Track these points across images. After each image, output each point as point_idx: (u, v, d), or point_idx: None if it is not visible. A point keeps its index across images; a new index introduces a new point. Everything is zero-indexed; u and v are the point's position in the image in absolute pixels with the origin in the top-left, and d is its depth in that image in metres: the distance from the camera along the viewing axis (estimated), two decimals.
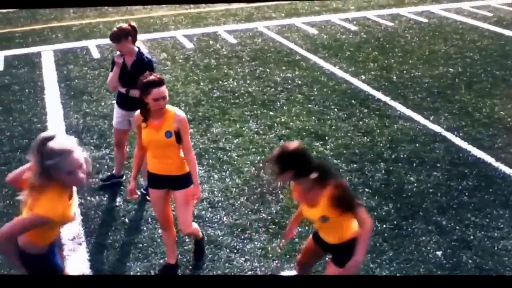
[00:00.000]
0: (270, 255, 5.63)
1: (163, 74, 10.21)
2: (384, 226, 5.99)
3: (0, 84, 10.76)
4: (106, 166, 7.49)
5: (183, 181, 5.08)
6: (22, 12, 16.58)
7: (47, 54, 12.48)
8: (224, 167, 7.30)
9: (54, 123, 8.93)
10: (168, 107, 5.00)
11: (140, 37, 12.21)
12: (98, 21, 15.02)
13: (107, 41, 13.34)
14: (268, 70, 10.68)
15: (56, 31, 14.37)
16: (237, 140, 8.00)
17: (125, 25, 6.56)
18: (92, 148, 8.00)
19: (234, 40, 12.57)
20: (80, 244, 5.97)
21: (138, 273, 5.46)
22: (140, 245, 5.90)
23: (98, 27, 14.46)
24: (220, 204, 6.53)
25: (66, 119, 9.03)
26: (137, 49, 6.59)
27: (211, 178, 7.04)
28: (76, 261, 5.70)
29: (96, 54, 12.19)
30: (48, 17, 15.94)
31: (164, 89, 4.88)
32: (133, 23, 6.64)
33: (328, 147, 7.68)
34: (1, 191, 7.00)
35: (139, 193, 5.90)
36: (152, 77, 4.89)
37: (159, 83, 4.86)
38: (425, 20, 13.69)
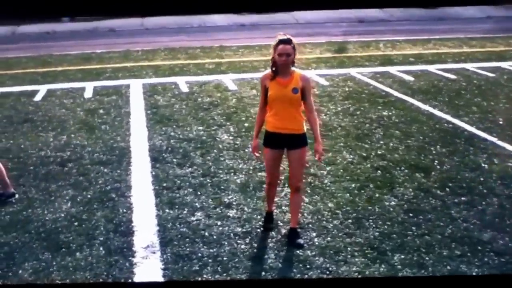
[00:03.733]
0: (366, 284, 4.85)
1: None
2: (503, 260, 5.10)
3: (86, 108, 10.69)
4: (187, 183, 6.98)
5: (301, 140, 5.39)
6: (115, 52, 16.89)
7: (135, 86, 12.43)
8: (315, 191, 6.65)
9: (137, 142, 8.61)
10: (295, 69, 5.33)
11: (231, 76, 12.06)
12: (188, 63, 15.00)
13: (197, 78, 13.46)
14: (362, 108, 10.07)
15: (147, 68, 14.41)
16: (329, 167, 7.35)
17: None
18: (174, 166, 7.55)
19: (326, 82, 12.09)
20: (153, 253, 5.42)
21: None
22: (220, 258, 5.28)
23: (188, 67, 14.39)
24: (310, 225, 5.85)
25: (150, 140, 8.71)
26: None
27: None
28: (148, 269, 5.13)
29: (184, 89, 12.01)
30: (140, 57, 16.12)
31: (289, 47, 5.20)
32: None
33: (431, 179, 6.90)
34: (77, 198, 6.65)
35: (258, 154, 5.74)
36: (281, 36, 5.28)
37: (285, 40, 5.23)
38: None
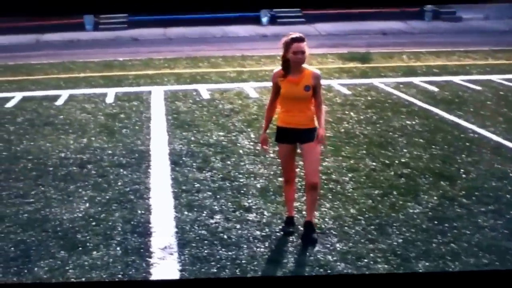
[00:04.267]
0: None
1: None
2: None
3: (107, 113, 10.67)
4: (207, 187, 6.88)
5: (313, 133, 5.34)
6: (137, 60, 16.93)
7: (157, 92, 12.41)
8: (336, 197, 6.50)
9: (157, 146, 8.54)
10: (305, 66, 5.33)
11: (252, 84, 11.97)
12: (210, 71, 14.96)
13: (218, 85, 13.40)
14: (385, 117, 9.91)
15: (168, 76, 14.41)
16: (351, 174, 7.21)
17: None
18: (194, 170, 7.46)
19: (348, 92, 11.95)
20: (171, 254, 5.31)
21: None
22: (239, 261, 5.15)
23: (209, 75, 14.36)
24: (332, 231, 5.70)
25: (170, 144, 8.63)
26: None
27: (322, 206, 6.23)
28: (165, 270, 5.02)
29: (205, 95, 11.95)
30: (161, 65, 16.13)
31: (303, 45, 5.23)
32: None
33: (456, 187, 6.71)
34: (95, 199, 6.59)
35: (266, 147, 5.81)
36: (294, 34, 5.29)
37: (300, 39, 5.25)
38: None
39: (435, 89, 12.17)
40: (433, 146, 8.24)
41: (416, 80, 13.09)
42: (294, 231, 5.69)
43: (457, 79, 13.17)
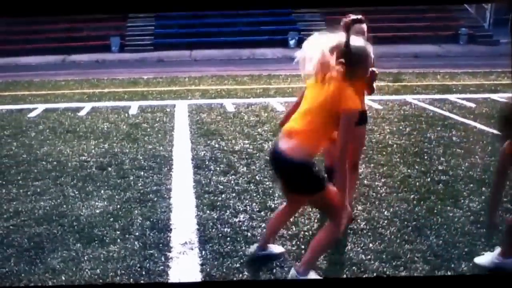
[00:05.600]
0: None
1: None
2: None
3: (130, 123, 10.43)
4: (230, 189, 6.52)
5: (364, 116, 5.27)
6: (162, 78, 16.79)
7: (181, 105, 12.17)
8: (369, 200, 6.09)
9: (180, 152, 8.23)
10: None
11: (279, 100, 11.68)
12: (236, 88, 14.72)
13: (244, 100, 13.11)
14: (419, 129, 9.48)
15: (193, 92, 14.20)
16: (385, 180, 6.79)
17: None
18: (218, 173, 7.11)
19: (380, 107, 11.55)
20: (191, 249, 4.93)
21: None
22: (263, 258, 4.73)
23: (235, 91, 14.11)
24: (364, 231, 5.28)
25: (193, 150, 8.32)
26: None
27: (354, 208, 5.82)
28: (185, 264, 4.64)
29: (231, 108, 11.68)
30: (187, 82, 15.95)
31: (364, 26, 5.08)
32: None
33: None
34: (114, 198, 6.27)
35: None
36: (354, 15, 5.07)
37: (360, 20, 5.10)
38: None
39: (473, 105, 11.72)
40: (473, 156, 7.78)
41: (451, 97, 12.66)
42: None
43: (495, 96, 12.69)
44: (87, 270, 4.55)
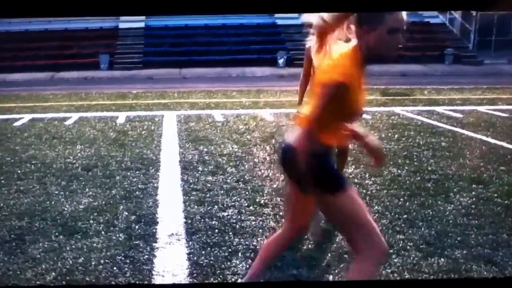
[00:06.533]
0: (425, 270, 4.15)
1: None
2: None
3: (118, 130, 10.33)
4: (219, 187, 6.40)
5: None
6: (152, 93, 16.71)
7: (170, 116, 12.08)
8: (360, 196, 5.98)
9: (168, 155, 8.11)
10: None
11: (269, 111, 11.57)
12: (225, 101, 14.66)
13: (233, 111, 13.03)
14: (408, 136, 9.43)
15: (183, 104, 14.11)
16: (374, 178, 6.70)
17: None
18: (206, 173, 7.00)
19: (368, 116, 11.50)
20: (178, 240, 4.80)
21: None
22: (253, 247, 4.62)
23: (224, 104, 14.04)
24: None
25: (182, 154, 8.20)
26: None
27: None
28: (172, 253, 4.51)
29: (219, 118, 11.60)
30: (176, 96, 15.87)
31: None
32: None
33: (490, 190, 6.18)
34: (100, 195, 6.12)
35: None
36: None
37: None
38: None
39: (460, 115, 11.72)
40: (462, 158, 7.73)
41: (439, 108, 12.65)
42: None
43: (482, 108, 12.71)
44: (69, 259, 4.39)
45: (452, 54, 25.47)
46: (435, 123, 10.77)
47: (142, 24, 27.37)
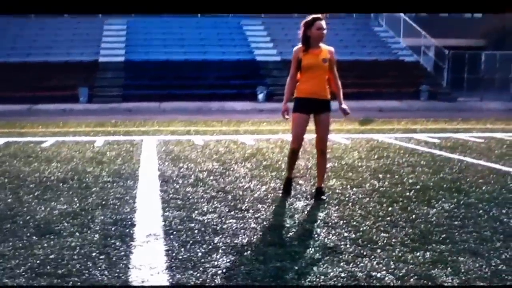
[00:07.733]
0: (411, 261, 4.05)
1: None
2: None
3: (96, 151, 10.16)
4: (199, 197, 6.26)
5: (327, 105, 6.00)
6: (131, 122, 16.58)
7: (148, 139, 11.97)
8: (342, 203, 5.92)
9: (146, 170, 7.98)
10: (321, 44, 5.99)
11: (249, 137, 11.49)
12: (205, 129, 14.58)
13: (213, 137, 12.92)
14: (386, 155, 9.41)
15: (162, 131, 14.00)
16: (356, 189, 6.64)
17: None
18: (185, 185, 6.88)
19: (348, 141, 11.47)
20: (156, 239, 4.65)
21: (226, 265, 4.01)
22: (233, 245, 4.49)
23: (204, 131, 13.96)
24: (338, 224, 5.08)
25: (161, 170, 8.06)
26: None
27: (326, 209, 5.63)
28: (149, 252, 4.35)
29: (199, 142, 11.50)
30: (156, 124, 15.77)
31: (324, 22, 5.89)
32: None
33: (472, 197, 6.15)
34: (75, 202, 5.93)
35: (287, 117, 6.04)
36: (314, 14, 5.91)
37: (321, 18, 5.90)
38: None
39: (437, 140, 11.77)
40: (442, 173, 7.71)
41: (416, 135, 12.70)
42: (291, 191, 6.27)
43: (458, 135, 12.79)
44: (40, 256, 4.21)
45: (427, 90, 25.86)
46: (413, 146, 10.80)
47: (122, 58, 27.39)
